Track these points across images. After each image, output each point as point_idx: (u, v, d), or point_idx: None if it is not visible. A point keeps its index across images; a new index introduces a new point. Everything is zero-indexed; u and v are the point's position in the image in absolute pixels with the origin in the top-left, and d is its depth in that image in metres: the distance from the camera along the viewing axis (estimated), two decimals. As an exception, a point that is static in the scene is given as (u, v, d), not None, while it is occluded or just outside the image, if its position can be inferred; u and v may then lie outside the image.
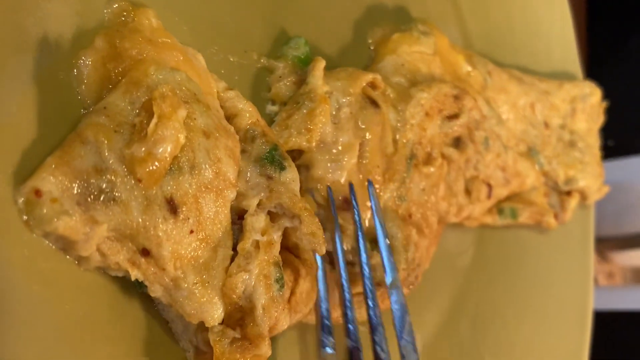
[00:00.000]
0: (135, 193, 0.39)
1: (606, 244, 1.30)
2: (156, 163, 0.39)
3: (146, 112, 0.40)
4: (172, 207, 0.40)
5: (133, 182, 0.39)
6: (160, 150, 0.39)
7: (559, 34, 0.86)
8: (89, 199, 0.38)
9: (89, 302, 0.41)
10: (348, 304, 0.51)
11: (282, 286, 0.46)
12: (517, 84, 0.77)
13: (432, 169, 0.60)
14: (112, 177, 0.39)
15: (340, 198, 0.53)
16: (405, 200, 0.58)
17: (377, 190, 0.56)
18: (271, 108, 0.55)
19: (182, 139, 0.40)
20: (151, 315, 0.45)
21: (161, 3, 0.48)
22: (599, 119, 0.86)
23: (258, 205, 0.46)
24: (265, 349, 0.44)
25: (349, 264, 0.54)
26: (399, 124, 0.59)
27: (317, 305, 0.51)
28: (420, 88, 0.61)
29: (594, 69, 1.13)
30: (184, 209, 0.41)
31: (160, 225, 0.40)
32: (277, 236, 0.47)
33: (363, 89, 0.57)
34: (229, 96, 0.48)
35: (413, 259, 0.58)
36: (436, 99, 0.61)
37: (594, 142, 0.85)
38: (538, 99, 0.79)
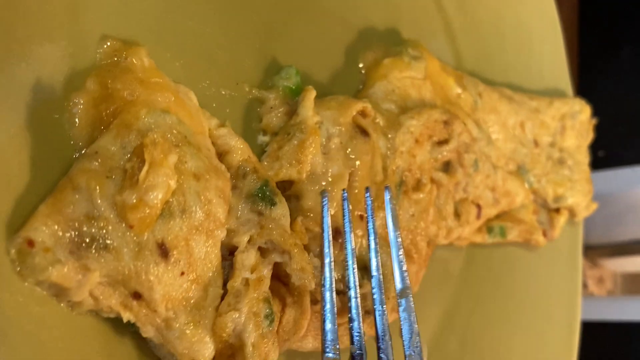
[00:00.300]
0: (127, 239, 0.40)
1: (597, 251, 1.32)
2: (147, 209, 0.39)
3: (137, 158, 0.40)
4: (164, 251, 0.41)
5: (124, 228, 0.40)
6: (151, 197, 0.39)
7: (550, 52, 0.86)
8: (81, 247, 0.39)
9: (82, 342, 0.42)
10: (354, 312, 0.51)
11: (271, 321, 0.47)
12: (507, 103, 0.78)
13: (421, 195, 0.61)
14: (104, 224, 0.39)
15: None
16: (395, 227, 0.59)
17: (366, 220, 0.56)
18: (262, 139, 0.56)
19: (172, 184, 0.41)
20: (144, 354, 0.46)
21: (153, 40, 0.48)
22: (589, 136, 0.87)
23: (249, 241, 0.47)
24: None
25: (338, 293, 0.54)
26: (388, 152, 0.59)
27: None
28: (410, 115, 0.61)
29: (585, 79, 1.14)
30: (174, 252, 0.42)
31: (152, 270, 0.40)
32: (267, 271, 0.48)
33: (353, 118, 0.58)
34: (221, 133, 0.49)
35: (402, 286, 0.58)
36: (426, 126, 0.62)
37: (583, 158, 0.86)
38: (528, 118, 0.80)
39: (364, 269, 0.57)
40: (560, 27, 0.86)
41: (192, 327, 0.42)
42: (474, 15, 0.80)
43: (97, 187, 0.39)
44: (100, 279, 0.40)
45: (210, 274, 0.44)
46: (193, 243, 0.43)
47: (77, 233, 0.39)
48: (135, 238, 0.40)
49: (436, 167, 0.65)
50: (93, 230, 0.39)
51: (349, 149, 0.56)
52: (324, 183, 0.54)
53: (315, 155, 0.54)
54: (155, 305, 0.41)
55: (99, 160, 0.40)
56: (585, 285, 1.41)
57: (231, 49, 0.54)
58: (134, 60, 0.45)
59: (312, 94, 0.56)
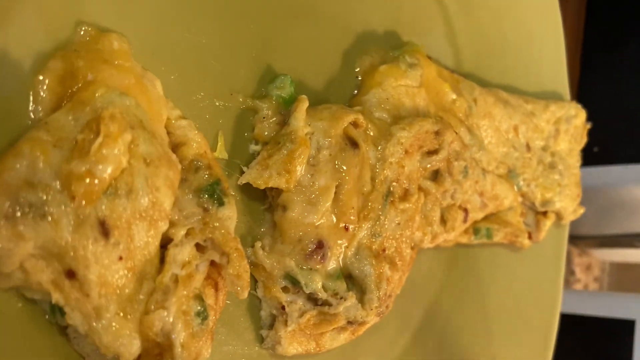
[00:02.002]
0: (68, 210, 0.39)
1: (586, 242, 1.34)
2: (95, 182, 0.39)
3: (90, 130, 0.40)
4: (104, 229, 0.40)
5: (66, 199, 0.38)
6: (100, 169, 0.39)
7: (550, 55, 0.86)
8: (16, 214, 0.37)
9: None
10: None
11: (204, 319, 0.45)
12: (502, 107, 0.78)
13: (408, 205, 0.63)
14: (45, 193, 0.38)
15: (312, 240, 0.55)
16: (380, 236, 0.60)
17: (351, 231, 0.58)
18: (254, 147, 0.57)
19: (124, 162, 0.40)
20: (59, 346, 0.45)
21: (148, 52, 0.49)
22: (582, 140, 0.88)
23: (186, 235, 0.46)
24: None
25: (324, 304, 0.56)
26: (378, 163, 0.61)
27: None
28: (401, 126, 0.62)
29: (587, 74, 1.14)
30: (115, 233, 0.40)
31: (90, 247, 0.39)
32: (202, 266, 0.47)
33: (344, 128, 0.59)
34: (180, 125, 0.49)
35: (385, 293, 0.60)
36: (416, 137, 0.63)
37: (575, 162, 0.87)
38: (522, 121, 0.81)
39: (349, 277, 0.59)
40: (562, 31, 0.86)
41: (122, 320, 0.41)
42: (476, 16, 0.80)
43: (41, 155, 0.38)
44: (34, 250, 0.38)
45: (148, 266, 0.43)
46: (135, 228, 0.42)
47: (14, 199, 0.37)
48: (77, 211, 0.39)
49: (425, 176, 0.66)
50: (32, 197, 0.38)
51: (338, 161, 0.57)
52: (310, 195, 0.55)
53: (303, 167, 0.55)
54: (89, 288, 0.39)
55: (48, 130, 0.40)
56: (572, 273, 1.43)
57: (226, 59, 0.55)
58: (104, 43, 0.45)
59: (304, 104, 0.57)
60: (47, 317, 0.43)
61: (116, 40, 0.46)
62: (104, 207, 0.40)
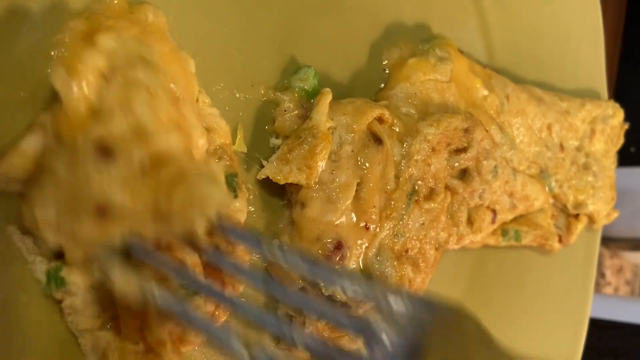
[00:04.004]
0: (61, 152, 0.38)
1: (619, 244, 1.30)
2: (69, 108, 0.37)
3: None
4: (104, 151, 0.38)
5: (61, 144, 0.38)
6: (69, 94, 0.37)
7: (587, 51, 0.83)
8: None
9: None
10: None
11: None
12: (536, 105, 0.75)
13: (433, 205, 0.60)
14: (50, 152, 0.38)
15: (331, 240, 0.53)
16: (403, 236, 0.58)
17: (372, 230, 0.56)
18: (274, 141, 0.55)
19: (90, 78, 0.38)
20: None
21: (167, 41, 0.47)
22: (619, 141, 0.84)
23: None
24: (170, 356, 0.41)
25: (343, 306, 0.54)
26: (402, 160, 0.58)
27: None
28: (429, 123, 0.60)
29: (626, 72, 1.10)
30: (117, 150, 0.38)
31: (97, 174, 0.37)
32: None
33: (369, 124, 0.56)
34: (211, 112, 0.48)
35: (405, 296, 0.58)
36: (444, 134, 0.60)
37: (610, 164, 0.83)
38: (557, 120, 0.77)
39: (369, 279, 0.57)
40: (601, 26, 0.82)
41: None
42: (511, 9, 0.77)
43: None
44: (51, 206, 0.37)
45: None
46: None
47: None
48: (67, 147, 0.37)
49: (452, 175, 0.64)
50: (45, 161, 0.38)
51: (360, 158, 0.55)
52: (330, 191, 0.53)
53: (324, 162, 0.53)
54: (123, 214, 0.37)
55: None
56: (602, 275, 1.39)
57: (248, 49, 0.53)
58: (139, 15, 0.43)
59: (327, 97, 0.55)
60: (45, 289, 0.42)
61: (151, 13, 0.44)
62: (96, 130, 0.38)
